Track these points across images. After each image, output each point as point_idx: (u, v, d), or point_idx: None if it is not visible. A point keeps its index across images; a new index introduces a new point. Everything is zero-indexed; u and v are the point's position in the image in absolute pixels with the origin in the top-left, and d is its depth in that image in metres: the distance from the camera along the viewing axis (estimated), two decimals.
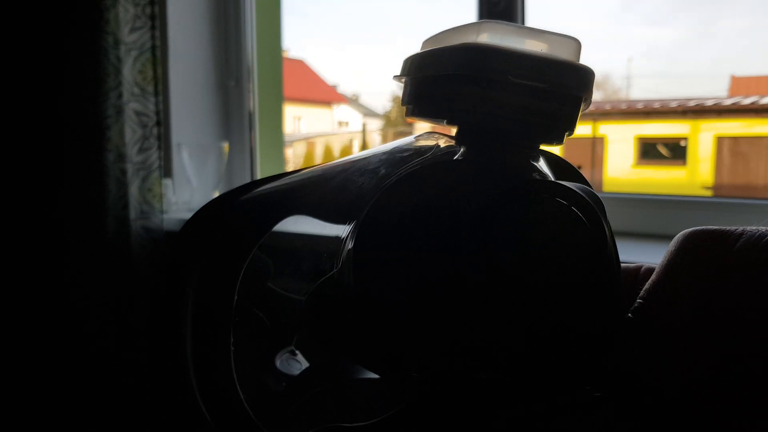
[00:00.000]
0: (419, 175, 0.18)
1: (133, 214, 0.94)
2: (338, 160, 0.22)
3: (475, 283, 0.16)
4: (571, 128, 0.18)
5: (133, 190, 0.94)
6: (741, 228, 0.17)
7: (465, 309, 0.16)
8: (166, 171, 1.06)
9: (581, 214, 0.16)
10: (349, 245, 0.18)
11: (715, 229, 0.18)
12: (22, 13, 1.03)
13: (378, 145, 0.23)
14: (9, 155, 1.08)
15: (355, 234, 0.17)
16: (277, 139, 1.21)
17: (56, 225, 1.02)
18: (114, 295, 0.96)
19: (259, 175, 1.17)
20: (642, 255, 0.67)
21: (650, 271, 0.20)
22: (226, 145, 1.05)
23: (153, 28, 0.94)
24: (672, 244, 0.18)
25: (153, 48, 0.94)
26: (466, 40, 0.18)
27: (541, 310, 0.16)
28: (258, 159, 1.16)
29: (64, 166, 0.99)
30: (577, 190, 0.17)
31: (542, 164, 0.19)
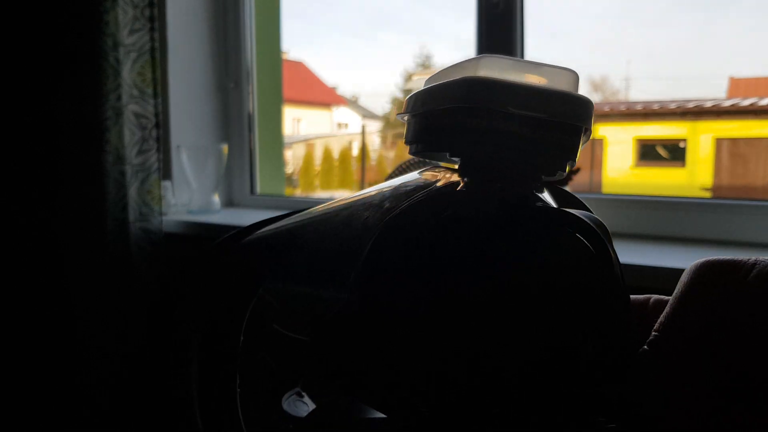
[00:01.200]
0: (422, 204, 0.18)
1: (132, 215, 0.94)
2: (341, 198, 0.22)
3: (481, 310, 0.16)
4: (572, 157, 0.18)
5: (132, 191, 0.94)
6: (753, 258, 0.18)
7: (470, 336, 0.16)
8: (165, 173, 1.06)
9: (586, 241, 0.16)
10: (356, 276, 0.18)
11: (727, 260, 0.18)
12: (21, 16, 1.03)
13: (382, 183, 0.24)
14: (8, 157, 1.08)
15: (362, 264, 0.17)
16: (276, 141, 1.21)
17: (55, 226, 1.02)
18: (113, 295, 0.96)
19: (258, 177, 1.17)
20: (640, 256, 0.67)
21: (659, 301, 0.20)
22: (225, 147, 1.05)
23: (152, 30, 0.94)
24: (684, 275, 0.18)
25: (152, 50, 0.94)
26: (465, 72, 0.19)
27: (548, 337, 0.16)
28: (257, 161, 1.16)
29: (63, 167, 0.99)
30: (582, 217, 0.17)
31: (546, 196, 0.20)
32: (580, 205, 0.22)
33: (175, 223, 0.98)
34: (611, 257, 0.17)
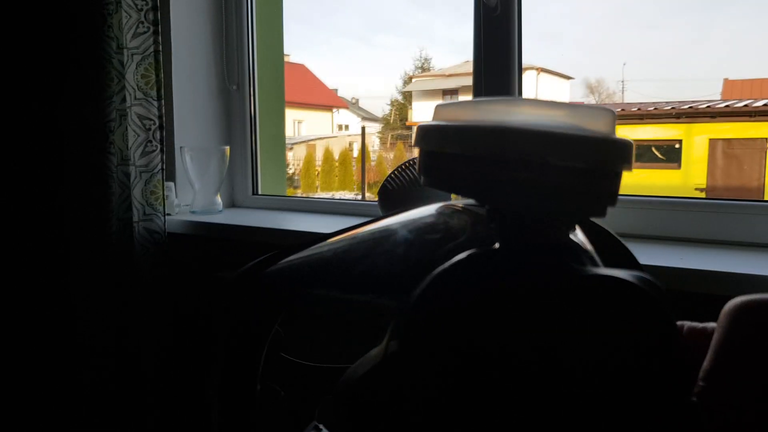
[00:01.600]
0: (459, 269, 0.17)
1: (135, 216, 0.95)
2: (359, 232, 0.21)
3: (532, 380, 0.16)
4: (613, 202, 0.18)
5: (136, 192, 0.95)
6: None
7: (521, 405, 0.16)
8: (169, 174, 1.07)
9: (643, 306, 0.16)
10: (391, 341, 0.17)
11: (763, 298, 0.17)
12: (25, 19, 1.04)
13: (394, 214, 0.21)
14: (15, 159, 1.09)
15: (399, 330, 0.17)
16: (277, 143, 1.23)
17: (60, 226, 1.03)
18: (116, 295, 0.97)
19: (260, 178, 1.18)
20: (637, 256, 0.68)
21: (693, 330, 0.20)
22: (227, 149, 1.06)
23: (155, 33, 0.95)
24: (722, 318, 0.18)
25: (156, 53, 0.96)
26: (493, 116, 0.18)
27: (603, 403, 0.16)
28: (259, 162, 1.18)
29: (68, 168, 1.00)
30: (636, 282, 0.16)
31: (580, 234, 0.19)
32: (613, 240, 0.21)
33: (178, 223, 0.99)
34: (669, 321, 0.16)
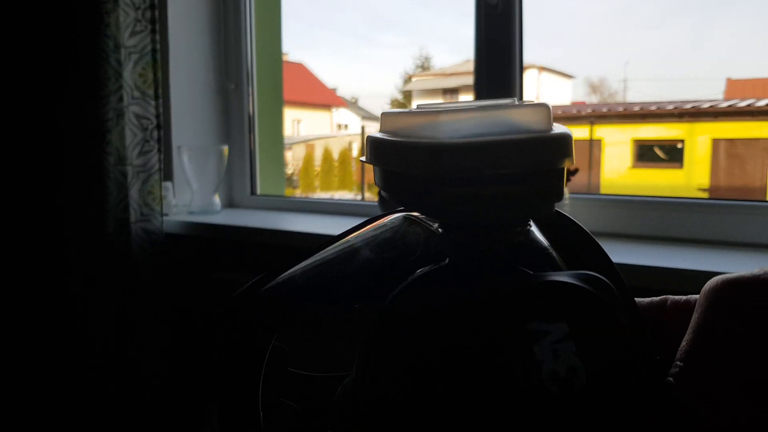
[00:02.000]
0: (412, 290, 0.17)
1: (133, 216, 0.94)
2: (331, 249, 0.21)
3: (498, 403, 0.15)
4: (559, 198, 0.17)
5: (134, 192, 0.95)
6: (765, 270, 0.17)
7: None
8: (167, 174, 1.06)
9: (589, 307, 0.15)
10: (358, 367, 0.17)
11: (746, 277, 0.17)
12: (23, 18, 1.04)
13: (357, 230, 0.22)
14: (15, 159, 1.08)
15: (359, 362, 0.16)
16: (276, 142, 1.22)
17: (60, 226, 1.03)
18: (114, 295, 0.96)
19: (258, 178, 1.17)
20: (638, 257, 0.67)
21: (677, 304, 0.19)
22: (225, 148, 1.06)
23: (153, 31, 0.95)
24: (702, 297, 0.18)
25: (153, 52, 0.95)
26: (422, 128, 0.17)
27: (570, 413, 0.15)
28: (258, 161, 1.17)
29: (65, 168, 0.99)
30: (580, 283, 0.15)
31: (534, 230, 0.19)
32: (571, 224, 0.20)
33: (175, 223, 0.99)
34: (619, 322, 0.15)
